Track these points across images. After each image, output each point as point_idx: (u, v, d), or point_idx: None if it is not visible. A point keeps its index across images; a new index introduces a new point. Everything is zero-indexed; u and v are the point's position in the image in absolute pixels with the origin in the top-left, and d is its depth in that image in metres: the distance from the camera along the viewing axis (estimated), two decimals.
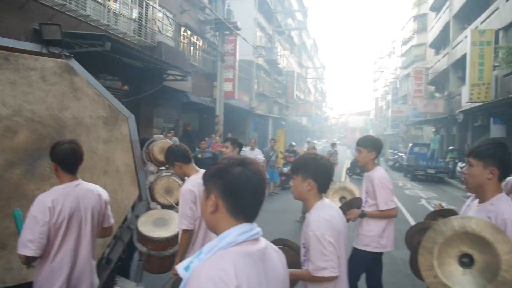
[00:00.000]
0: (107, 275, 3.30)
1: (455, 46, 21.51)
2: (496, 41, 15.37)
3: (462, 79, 20.45)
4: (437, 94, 27.37)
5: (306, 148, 18.08)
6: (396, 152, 27.05)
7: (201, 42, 18.15)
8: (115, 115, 3.62)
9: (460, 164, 15.82)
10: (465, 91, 16.08)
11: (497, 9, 15.82)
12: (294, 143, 15.20)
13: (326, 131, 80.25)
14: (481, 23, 17.41)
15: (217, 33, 16.53)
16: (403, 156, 22.41)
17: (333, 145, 17.12)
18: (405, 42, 38.61)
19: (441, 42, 26.51)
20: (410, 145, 22.37)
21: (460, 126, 20.55)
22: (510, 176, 3.17)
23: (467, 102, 15.72)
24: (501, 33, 15.59)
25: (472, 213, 2.20)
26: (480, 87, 15.05)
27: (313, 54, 56.36)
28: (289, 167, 13.94)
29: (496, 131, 13.32)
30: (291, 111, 37.70)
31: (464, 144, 20.78)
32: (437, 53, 28.23)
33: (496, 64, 15.05)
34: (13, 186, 2.93)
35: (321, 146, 35.99)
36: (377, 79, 68.95)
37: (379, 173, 3.59)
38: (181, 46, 15.98)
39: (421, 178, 17.76)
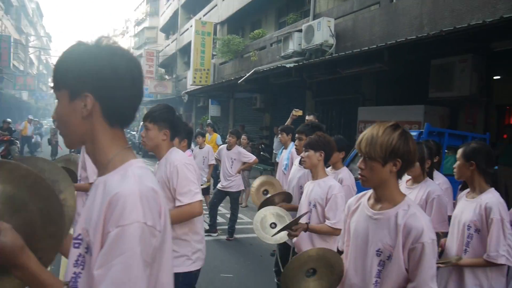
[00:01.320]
0: None
1: (183, 33, 23.36)
2: (215, 33, 17.61)
3: (187, 64, 22.47)
4: (166, 76, 29.10)
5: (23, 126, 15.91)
6: (128, 130, 27.27)
7: None
8: None
9: None
10: (189, 75, 17.77)
11: (216, 5, 18.09)
12: (9, 120, 13.08)
13: (53, 108, 72.60)
14: (204, 15, 19.53)
15: None
16: (135, 135, 22.87)
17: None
18: (138, 23, 39.06)
19: (171, 27, 28.23)
20: (141, 123, 22.94)
21: (186, 106, 22.60)
22: None
23: (191, 85, 17.45)
24: (218, 27, 17.94)
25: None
26: (201, 72, 16.96)
27: (36, 20, 49.42)
28: (3, 148, 11.94)
29: (213, 110, 15.40)
30: (8, 83, 32.08)
31: (190, 122, 23.02)
32: (167, 37, 29.94)
33: (214, 53, 17.29)
34: None
35: (47, 125, 32.42)
36: None
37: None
38: None
39: (152, 154, 18.61)
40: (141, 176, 0.99)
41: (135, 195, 0.93)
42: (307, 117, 6.38)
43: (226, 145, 6.32)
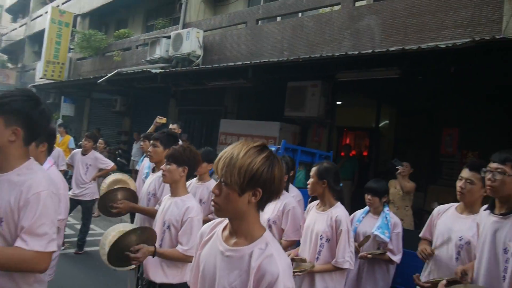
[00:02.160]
0: None
1: (35, 18, 20.82)
2: (74, 25, 16.17)
3: (38, 54, 20.05)
4: (9, 64, 25.46)
5: None
6: None
7: None
8: None
9: None
10: (39, 66, 15.90)
11: None
12: None
13: None
14: (63, 3, 17.77)
15: None
16: None
17: None
18: None
19: (20, 9, 24.86)
20: None
21: None
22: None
23: (41, 78, 15.63)
24: (79, 19, 16.54)
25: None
26: (55, 65, 15.34)
27: None
28: None
29: (66, 109, 14.04)
30: None
31: None
32: (15, 20, 26.24)
33: (72, 47, 15.85)
34: None
35: None
36: None
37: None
38: None
39: None
40: None
41: None
42: (170, 126, 6.36)
43: (80, 149, 5.84)
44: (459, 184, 2.63)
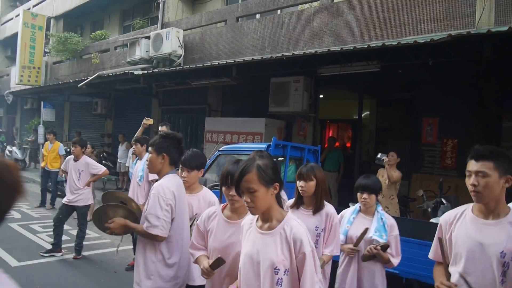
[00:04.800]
0: None
1: (5, 22, 20.28)
2: (48, 28, 15.86)
3: (11, 59, 19.59)
4: None
5: None
6: None
7: None
8: None
9: (9, 148, 15.16)
10: (15, 72, 15.55)
11: None
12: None
13: None
14: (34, 6, 17.38)
15: None
16: None
17: None
18: None
19: None
20: None
21: (9, 107, 19.65)
22: None
23: (17, 84, 15.30)
24: (53, 21, 16.23)
25: None
26: (31, 70, 15.04)
27: None
28: None
29: (47, 114, 13.81)
30: None
31: (13, 126, 20.08)
32: None
33: (47, 50, 15.55)
34: None
35: None
36: None
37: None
38: None
39: None
40: None
41: None
42: (160, 127, 6.42)
43: (73, 156, 5.85)
44: (469, 182, 2.01)
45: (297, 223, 1.87)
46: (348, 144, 10.76)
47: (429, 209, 5.01)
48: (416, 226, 4.14)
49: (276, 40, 8.18)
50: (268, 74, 7.87)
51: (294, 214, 2.88)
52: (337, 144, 9.99)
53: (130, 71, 9.55)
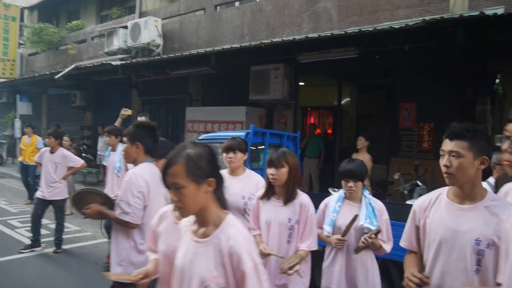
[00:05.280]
0: None
1: None
2: (22, 19, 15.41)
3: None
4: None
5: None
6: None
7: None
8: None
9: None
10: None
11: None
12: None
13: None
14: None
15: None
16: None
17: None
18: None
19: None
20: None
21: None
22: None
23: None
24: (27, 12, 15.79)
25: None
26: (5, 63, 14.64)
27: None
28: None
29: (23, 108, 13.49)
30: None
31: None
32: None
33: (22, 42, 15.14)
34: None
35: None
36: None
37: None
38: None
39: None
40: None
41: None
42: (139, 118, 6.35)
43: (49, 148, 5.73)
44: (442, 162, 1.86)
45: (237, 230, 1.47)
46: (330, 131, 10.85)
47: (406, 192, 5.11)
48: (392, 208, 4.22)
49: (256, 28, 8.14)
50: (248, 62, 7.83)
51: (265, 205, 2.76)
52: (318, 131, 10.06)
53: (108, 62, 9.38)
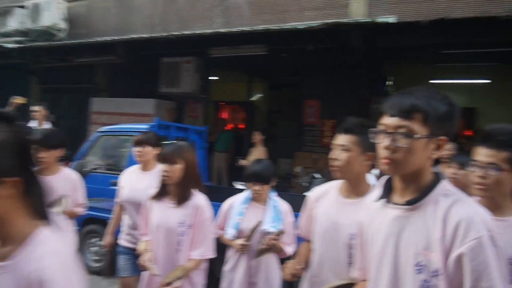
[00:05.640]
0: None
1: None
2: None
3: None
4: None
5: None
6: None
7: None
8: None
9: None
10: None
11: None
12: None
13: None
14: None
15: None
16: None
17: None
18: None
19: None
20: None
21: None
22: None
23: None
24: None
25: None
26: None
27: None
28: None
29: None
30: None
31: None
32: None
33: None
34: None
35: None
36: None
37: None
38: None
39: None
40: None
41: None
42: (34, 107, 5.88)
43: None
44: (331, 155, 1.90)
45: (51, 250, 1.04)
46: (242, 126, 11.03)
47: (306, 184, 5.41)
48: (292, 200, 4.43)
49: (167, 18, 7.95)
50: (158, 54, 7.64)
51: (156, 207, 2.50)
52: (230, 126, 10.18)
53: (1, 44, 8.49)
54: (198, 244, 2.39)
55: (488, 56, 6.42)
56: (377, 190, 1.45)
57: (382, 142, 1.26)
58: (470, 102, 8.15)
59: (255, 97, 10.31)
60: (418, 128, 1.22)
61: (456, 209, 1.19)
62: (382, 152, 1.27)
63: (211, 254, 2.45)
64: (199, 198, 2.44)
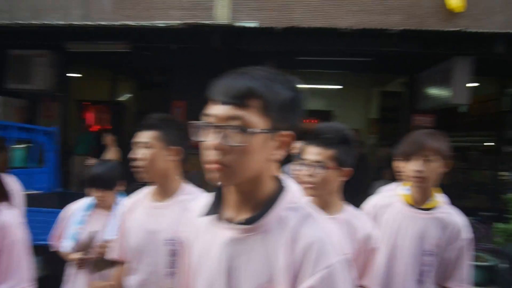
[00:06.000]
0: None
1: None
2: None
3: None
4: None
5: None
6: None
7: None
8: None
9: None
10: None
11: None
12: None
13: None
14: None
15: None
16: None
17: None
18: None
19: None
20: None
21: None
22: None
23: None
24: None
25: None
26: None
27: None
28: None
29: None
30: None
31: None
32: None
33: None
34: None
35: None
36: None
37: None
38: None
39: None
40: None
41: None
42: None
43: None
44: (133, 154, 1.79)
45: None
46: (109, 127, 10.41)
47: None
48: None
49: (16, 5, 7.06)
50: (5, 44, 6.75)
51: None
52: (95, 127, 9.53)
53: None
54: (7, 274, 1.67)
55: (338, 64, 7.15)
56: (200, 200, 1.17)
57: (209, 140, 0.95)
58: (326, 106, 9.02)
59: (124, 97, 9.84)
60: (256, 120, 0.93)
61: (305, 229, 0.96)
62: (209, 154, 0.95)
63: (25, 285, 1.73)
64: (5, 216, 1.71)
